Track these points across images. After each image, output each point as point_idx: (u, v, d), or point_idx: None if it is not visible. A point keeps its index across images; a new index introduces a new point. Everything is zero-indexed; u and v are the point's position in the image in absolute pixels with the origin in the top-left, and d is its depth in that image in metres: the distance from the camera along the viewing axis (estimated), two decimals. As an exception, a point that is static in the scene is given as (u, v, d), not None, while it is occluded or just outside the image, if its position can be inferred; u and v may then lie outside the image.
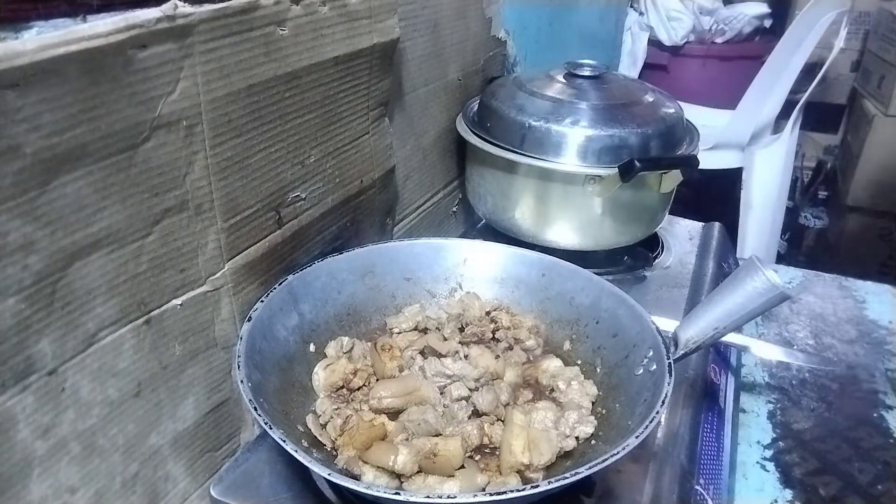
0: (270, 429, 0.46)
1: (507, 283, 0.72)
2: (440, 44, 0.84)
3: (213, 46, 0.47)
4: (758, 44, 2.04)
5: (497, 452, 0.55)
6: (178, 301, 0.51)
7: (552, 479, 0.44)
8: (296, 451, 0.45)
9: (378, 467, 0.51)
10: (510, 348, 0.67)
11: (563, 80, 0.88)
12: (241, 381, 0.50)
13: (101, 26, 0.39)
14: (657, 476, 0.58)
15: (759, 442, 0.75)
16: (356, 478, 0.50)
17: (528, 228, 0.87)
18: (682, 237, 1.01)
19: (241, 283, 0.58)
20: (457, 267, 0.73)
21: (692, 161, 0.82)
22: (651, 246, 0.96)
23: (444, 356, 0.63)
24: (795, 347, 0.90)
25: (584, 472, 0.44)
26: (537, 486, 0.44)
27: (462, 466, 0.53)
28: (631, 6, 2.00)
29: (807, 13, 1.50)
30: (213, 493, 0.55)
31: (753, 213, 1.60)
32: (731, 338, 0.74)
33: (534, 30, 1.22)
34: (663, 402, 0.50)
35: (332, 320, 0.66)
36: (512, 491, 0.43)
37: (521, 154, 0.82)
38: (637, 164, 0.76)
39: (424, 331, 0.68)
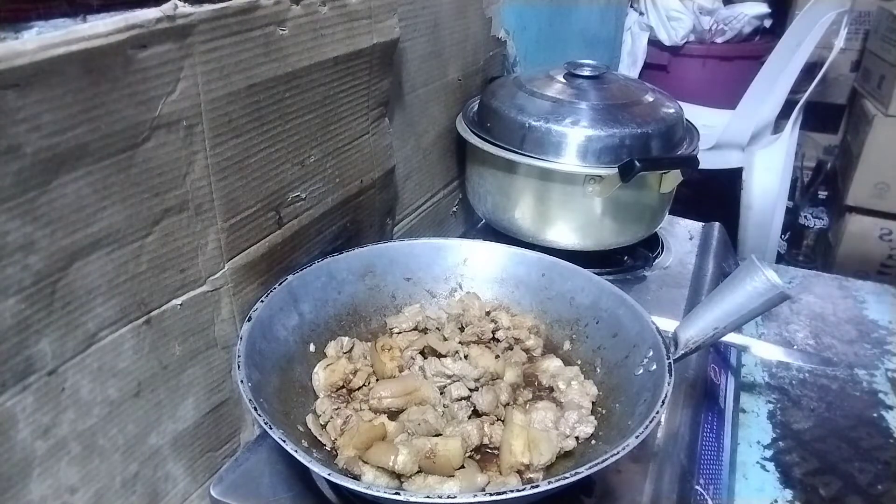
0: (270, 429, 0.46)
1: (507, 283, 0.72)
2: (440, 44, 0.84)
3: (213, 46, 0.47)
4: (758, 44, 2.04)
5: (497, 452, 0.55)
6: (178, 301, 0.51)
7: (552, 479, 0.44)
8: (296, 451, 0.45)
9: (378, 467, 0.51)
10: (510, 348, 0.67)
11: (563, 80, 0.88)
12: (241, 381, 0.50)
13: (101, 26, 0.39)
14: (657, 476, 0.58)
15: (759, 442, 0.75)
16: (356, 478, 0.50)
17: (528, 228, 0.87)
18: (682, 237, 1.01)
19: (241, 283, 0.58)
20: (457, 267, 0.73)
21: (692, 161, 0.82)
22: (651, 246, 0.96)
23: (444, 356, 0.63)
24: (795, 347, 0.91)
25: (584, 472, 0.44)
26: (537, 486, 0.44)
27: (462, 466, 0.53)
28: (631, 6, 2.00)
29: (807, 13, 1.50)
30: (213, 493, 0.55)
31: (753, 213, 1.60)
32: (731, 338, 0.74)
33: (534, 30, 1.22)
34: (663, 402, 0.50)
35: (332, 320, 0.66)
36: (512, 491, 0.43)
37: (521, 154, 0.82)
38: (637, 164, 0.76)
39: (424, 331, 0.68)
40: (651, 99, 0.87)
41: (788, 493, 0.68)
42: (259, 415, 0.47)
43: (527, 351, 0.67)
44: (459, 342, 0.66)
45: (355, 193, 0.71)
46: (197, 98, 0.48)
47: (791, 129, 1.60)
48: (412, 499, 0.43)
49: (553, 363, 0.65)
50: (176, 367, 0.52)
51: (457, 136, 0.91)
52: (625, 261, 0.91)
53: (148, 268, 0.47)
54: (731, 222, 1.57)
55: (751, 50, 2.01)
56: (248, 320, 0.56)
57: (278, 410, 0.53)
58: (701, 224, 1.06)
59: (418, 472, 0.52)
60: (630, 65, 2.00)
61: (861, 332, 0.94)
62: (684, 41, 1.99)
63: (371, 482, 0.50)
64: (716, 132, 1.60)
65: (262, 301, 0.58)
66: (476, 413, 0.59)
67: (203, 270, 0.53)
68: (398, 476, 0.51)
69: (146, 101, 0.44)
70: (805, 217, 1.98)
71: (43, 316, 0.40)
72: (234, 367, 0.57)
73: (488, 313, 0.70)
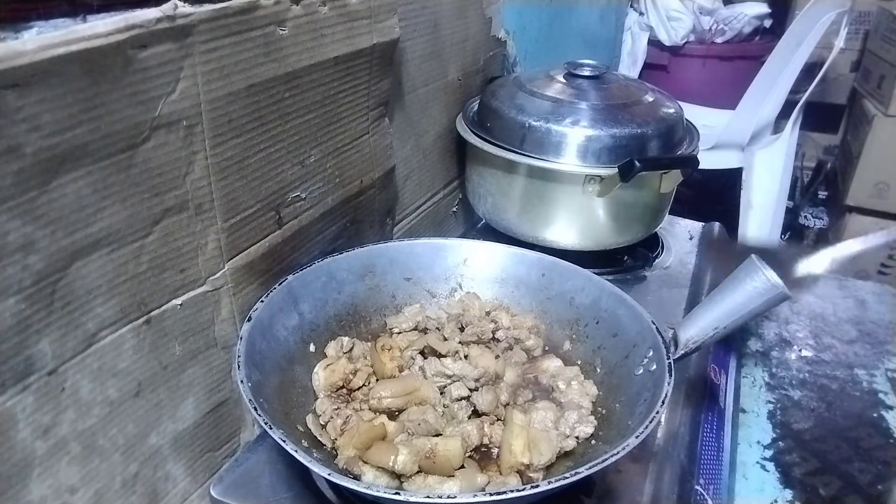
0: (270, 429, 0.46)
1: (507, 283, 0.72)
2: (440, 44, 0.84)
3: (213, 46, 0.48)
4: (758, 44, 2.04)
5: (497, 452, 0.55)
6: (178, 301, 0.51)
7: (552, 479, 0.44)
8: (296, 451, 0.45)
9: (378, 467, 0.51)
10: (510, 348, 0.67)
11: (563, 80, 0.88)
12: (241, 381, 0.50)
13: (101, 26, 0.39)
14: (657, 476, 0.58)
15: (759, 442, 0.75)
16: (356, 478, 0.50)
17: (528, 228, 0.87)
18: (682, 237, 1.01)
19: (241, 283, 0.58)
20: (457, 267, 0.73)
21: (692, 161, 0.82)
22: (651, 246, 0.95)
23: (444, 356, 0.63)
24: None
25: (584, 472, 0.44)
26: (537, 486, 0.44)
27: (462, 466, 0.53)
28: (631, 6, 2.00)
29: (807, 13, 1.50)
30: (213, 493, 0.55)
31: (753, 213, 1.60)
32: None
33: (534, 30, 1.22)
34: (663, 402, 0.50)
35: (332, 320, 0.66)
36: (512, 491, 0.43)
37: (521, 154, 0.82)
38: (637, 164, 0.76)
39: (424, 331, 0.68)
40: (651, 99, 0.87)
41: (788, 493, 0.68)
42: (259, 415, 0.47)
43: (527, 351, 0.67)
44: (459, 342, 0.66)
45: (355, 193, 0.71)
46: (197, 98, 0.48)
47: (791, 129, 1.60)
48: (412, 499, 0.43)
49: (553, 363, 0.65)
50: (176, 367, 0.52)
51: (457, 136, 0.91)
52: (625, 261, 0.91)
53: (148, 268, 0.47)
54: (731, 222, 1.57)
55: (751, 50, 2.01)
56: (248, 320, 0.56)
57: (278, 410, 0.53)
58: (701, 224, 1.05)
59: (418, 472, 0.52)
60: (630, 65, 2.00)
61: (861, 332, 0.94)
62: (684, 41, 2.00)
63: (371, 482, 0.50)
64: (716, 132, 1.60)
65: (262, 301, 0.58)
66: (476, 413, 0.59)
67: (203, 270, 0.53)
68: (398, 476, 0.51)
69: (146, 101, 0.44)
70: (805, 217, 1.98)
71: (43, 316, 0.40)
72: (234, 367, 0.57)
73: (488, 313, 0.70)
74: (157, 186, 0.46)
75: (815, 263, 0.62)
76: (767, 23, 2.06)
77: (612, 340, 0.63)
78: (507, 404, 0.60)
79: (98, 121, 0.40)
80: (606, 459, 0.45)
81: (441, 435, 0.55)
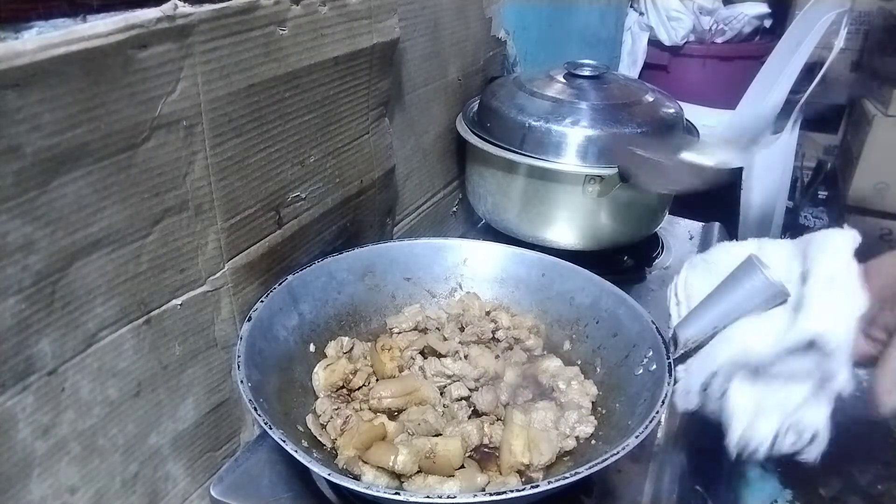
0: (270, 429, 0.46)
1: (507, 283, 0.72)
2: (440, 44, 0.84)
3: (213, 46, 0.48)
4: (758, 44, 2.04)
5: (497, 452, 0.55)
6: (178, 301, 0.51)
7: (552, 479, 0.44)
8: (296, 451, 0.45)
9: (378, 467, 0.51)
10: (510, 348, 0.67)
11: (563, 80, 0.88)
12: (241, 381, 0.50)
13: (101, 26, 0.39)
14: (657, 476, 0.58)
15: (759, 442, 0.75)
16: (356, 478, 0.50)
17: (528, 228, 0.87)
18: (682, 237, 1.01)
19: (241, 283, 0.58)
20: (457, 267, 0.73)
21: (692, 161, 0.82)
22: (651, 246, 0.95)
23: (444, 356, 0.63)
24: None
25: (584, 472, 0.44)
26: (537, 486, 0.44)
27: (462, 466, 0.53)
28: (631, 6, 2.00)
29: (807, 13, 1.50)
30: (213, 493, 0.55)
31: (753, 213, 1.60)
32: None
33: (534, 30, 1.22)
34: (663, 402, 0.50)
35: (332, 320, 0.66)
36: (512, 491, 0.43)
37: (520, 154, 0.82)
38: (637, 164, 0.76)
39: (424, 331, 0.68)
40: (651, 99, 0.87)
41: (788, 493, 0.68)
42: (259, 415, 0.47)
43: (527, 351, 0.67)
44: (459, 342, 0.66)
45: (355, 193, 0.71)
46: (197, 98, 0.48)
47: (791, 129, 1.60)
48: (412, 499, 0.43)
49: (553, 363, 0.65)
50: (176, 367, 0.52)
51: (457, 136, 0.91)
52: (625, 261, 0.91)
53: (148, 268, 0.47)
54: (731, 222, 1.57)
55: (751, 50, 2.01)
56: (248, 320, 0.56)
57: (278, 410, 0.53)
58: (701, 224, 1.06)
59: (418, 472, 0.52)
60: (630, 65, 2.00)
61: (861, 332, 0.94)
62: (684, 41, 2.00)
63: (371, 482, 0.50)
64: (716, 132, 1.60)
65: (262, 301, 0.58)
66: (476, 413, 0.59)
67: (203, 270, 0.53)
68: (398, 476, 0.51)
69: (146, 101, 0.44)
70: (805, 217, 1.98)
71: (43, 316, 0.40)
72: (234, 367, 0.57)
73: (488, 313, 0.70)
74: (157, 186, 0.46)
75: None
76: (767, 23, 2.06)
77: (612, 340, 0.63)
78: (507, 404, 0.60)
79: (98, 121, 0.40)
80: (606, 459, 0.45)
81: (441, 435, 0.55)
